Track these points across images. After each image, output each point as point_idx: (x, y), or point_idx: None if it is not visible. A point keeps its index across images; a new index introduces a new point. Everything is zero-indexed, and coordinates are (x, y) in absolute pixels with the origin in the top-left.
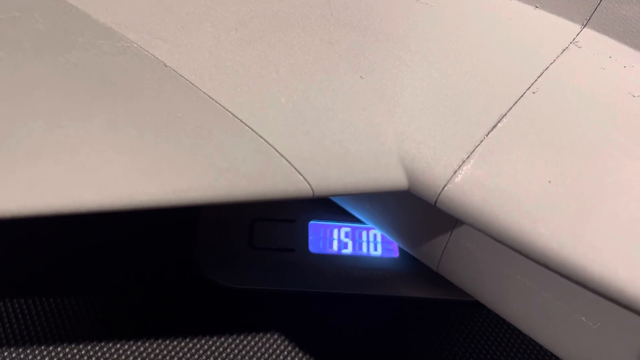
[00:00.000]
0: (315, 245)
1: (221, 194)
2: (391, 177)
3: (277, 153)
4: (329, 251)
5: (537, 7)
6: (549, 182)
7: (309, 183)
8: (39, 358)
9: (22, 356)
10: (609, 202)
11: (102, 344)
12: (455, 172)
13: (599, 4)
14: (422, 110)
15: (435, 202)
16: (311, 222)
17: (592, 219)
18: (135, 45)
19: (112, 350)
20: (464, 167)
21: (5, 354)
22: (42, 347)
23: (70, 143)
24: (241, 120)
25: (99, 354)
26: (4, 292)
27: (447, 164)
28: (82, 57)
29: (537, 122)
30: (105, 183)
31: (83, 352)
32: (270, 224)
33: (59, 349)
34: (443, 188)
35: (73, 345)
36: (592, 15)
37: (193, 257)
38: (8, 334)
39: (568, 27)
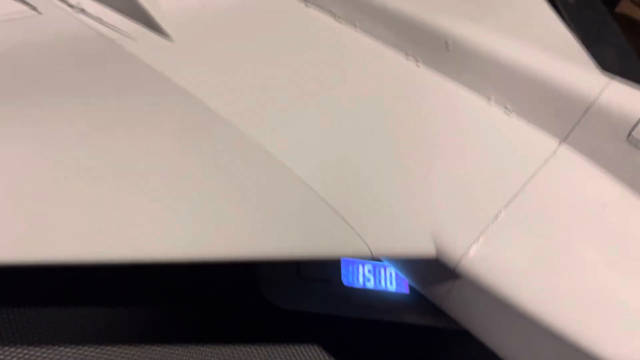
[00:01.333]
0: (346, 279)
1: (296, 254)
2: (425, 249)
3: (347, 224)
4: (356, 284)
5: (529, 123)
6: (535, 261)
7: (369, 248)
8: None
9: None
10: (577, 279)
11: (170, 350)
12: (469, 248)
13: (573, 128)
14: (447, 201)
15: (454, 269)
16: (343, 258)
17: (563, 290)
18: (249, 137)
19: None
20: (475, 246)
21: None
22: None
23: (187, 209)
24: (324, 200)
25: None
26: (72, 302)
27: (464, 243)
28: (206, 143)
29: (527, 217)
30: (216, 241)
31: None
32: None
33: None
34: (461, 259)
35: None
36: (569, 134)
37: (256, 280)
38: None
39: (549, 142)
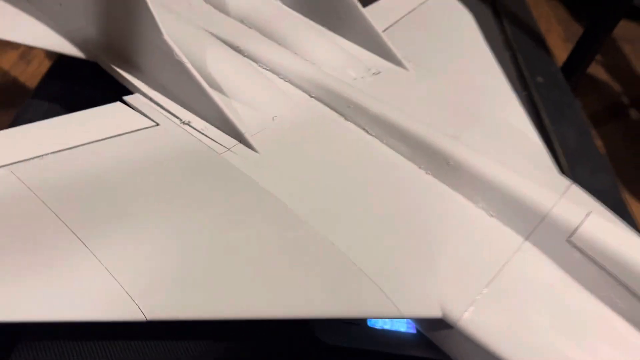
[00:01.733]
0: (370, 322)
1: (350, 315)
2: (436, 312)
3: (383, 292)
4: (377, 325)
5: (504, 224)
6: (513, 327)
7: (401, 312)
8: None
9: None
10: (539, 338)
11: None
12: (463, 313)
13: (534, 229)
14: (447, 279)
15: (454, 326)
16: None
17: (529, 345)
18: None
19: None
20: (467, 311)
21: None
22: None
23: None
24: (363, 271)
25: None
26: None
27: (460, 309)
28: (290, 235)
29: (504, 294)
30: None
31: None
32: None
33: None
34: (458, 320)
35: None
36: (530, 234)
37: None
38: None
39: (517, 238)
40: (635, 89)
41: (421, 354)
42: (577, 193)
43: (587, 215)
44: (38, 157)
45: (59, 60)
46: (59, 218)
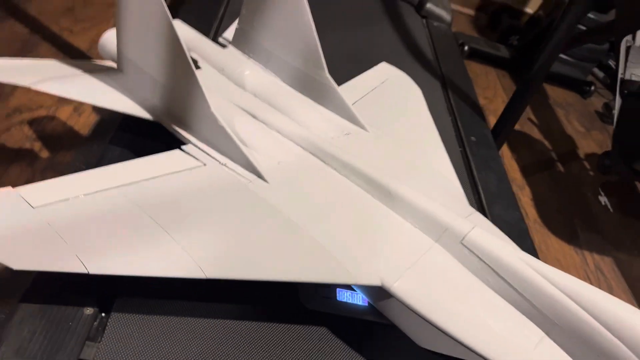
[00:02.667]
0: (339, 297)
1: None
2: (376, 281)
3: (345, 268)
4: (344, 299)
5: (416, 227)
6: (426, 293)
7: (354, 278)
8: None
9: None
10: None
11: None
12: (394, 283)
13: (441, 235)
14: (385, 261)
15: (389, 290)
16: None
17: (449, 306)
18: (307, 232)
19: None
20: (396, 282)
21: None
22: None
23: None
24: (333, 255)
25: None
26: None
27: (392, 280)
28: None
29: (420, 275)
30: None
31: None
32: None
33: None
34: (390, 287)
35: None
36: (439, 238)
37: (295, 290)
38: None
39: (429, 240)
40: (563, 146)
41: (370, 318)
42: (477, 216)
43: (473, 227)
44: (132, 183)
45: (126, 118)
46: (152, 219)
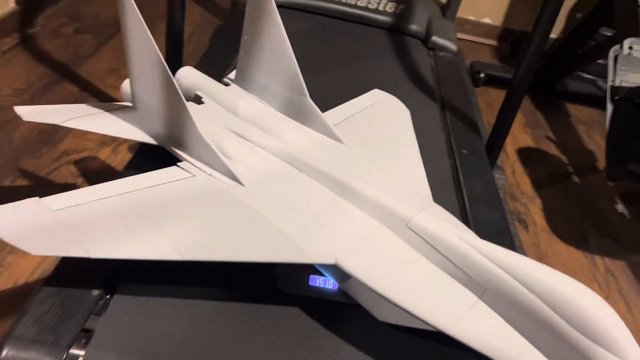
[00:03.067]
0: (311, 282)
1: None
2: (330, 260)
3: (302, 250)
4: (315, 284)
5: (371, 216)
6: (375, 268)
7: (310, 258)
8: None
9: None
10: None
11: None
12: (347, 260)
13: (391, 221)
14: (340, 243)
15: (342, 266)
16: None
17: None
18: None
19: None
20: (349, 259)
21: None
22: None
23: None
24: (293, 240)
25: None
26: None
27: (345, 258)
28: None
29: (370, 254)
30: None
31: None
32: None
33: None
34: (343, 264)
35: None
36: (389, 223)
37: (273, 276)
38: None
39: (380, 226)
40: (581, 160)
41: (339, 299)
42: (435, 208)
43: (418, 212)
44: (132, 192)
45: (142, 146)
46: (144, 217)
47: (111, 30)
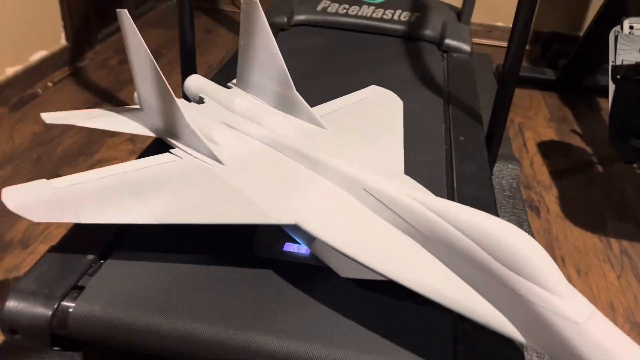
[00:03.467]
0: (285, 247)
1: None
2: (291, 220)
3: (266, 213)
4: (290, 249)
5: (334, 184)
6: (332, 226)
7: (273, 219)
8: None
9: None
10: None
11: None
12: (306, 219)
13: (352, 187)
14: (300, 206)
15: (301, 225)
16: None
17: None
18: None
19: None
20: (307, 219)
21: None
22: None
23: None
24: (259, 206)
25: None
26: None
27: (305, 218)
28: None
29: (328, 213)
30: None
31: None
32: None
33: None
34: (301, 224)
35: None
36: (349, 189)
37: (252, 243)
38: None
39: (342, 191)
40: (607, 150)
41: (310, 262)
42: (403, 177)
43: (373, 177)
44: (125, 172)
45: (155, 141)
46: (131, 190)
47: None
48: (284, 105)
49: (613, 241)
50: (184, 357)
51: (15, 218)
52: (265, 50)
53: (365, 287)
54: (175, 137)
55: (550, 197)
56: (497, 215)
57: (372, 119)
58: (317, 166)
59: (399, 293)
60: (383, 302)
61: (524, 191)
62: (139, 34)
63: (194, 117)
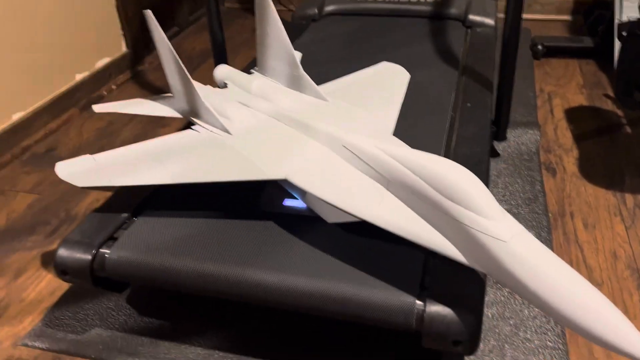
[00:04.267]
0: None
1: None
2: (282, 176)
3: (262, 170)
4: (289, 204)
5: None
6: (315, 177)
7: (266, 174)
8: None
9: None
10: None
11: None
12: (294, 174)
13: (335, 144)
14: (289, 166)
15: (289, 179)
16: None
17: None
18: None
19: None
20: (295, 173)
21: None
22: None
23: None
24: (258, 165)
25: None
26: None
27: (293, 173)
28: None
29: (311, 167)
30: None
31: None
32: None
33: None
34: (291, 178)
35: None
36: (332, 147)
37: (259, 200)
38: None
39: (324, 148)
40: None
41: (306, 214)
42: (388, 137)
43: (352, 134)
44: (157, 144)
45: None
46: (155, 157)
47: (201, 59)
48: (294, 84)
49: (628, 196)
50: (202, 293)
51: (81, 196)
52: (276, 38)
53: (350, 231)
54: (197, 116)
55: (569, 159)
56: (487, 171)
57: (375, 91)
58: (308, 130)
59: (379, 234)
60: (364, 242)
61: (543, 154)
62: (162, 31)
63: (214, 98)
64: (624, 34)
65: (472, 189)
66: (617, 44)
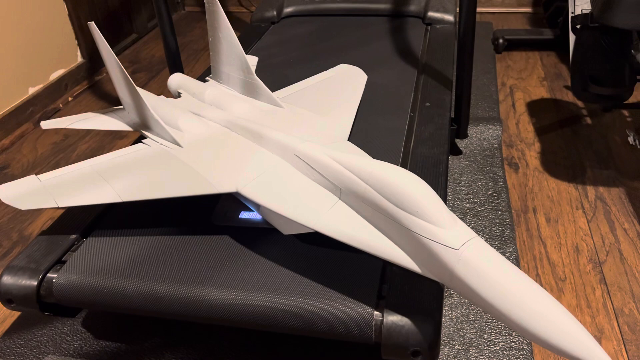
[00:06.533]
0: (241, 215)
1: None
2: (233, 189)
3: (212, 184)
4: (244, 216)
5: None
6: (268, 191)
7: (216, 188)
8: None
9: None
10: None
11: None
12: (244, 187)
13: (286, 154)
14: (239, 177)
15: (241, 192)
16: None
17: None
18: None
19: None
20: (245, 186)
21: None
22: None
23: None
24: (207, 179)
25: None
26: None
27: (243, 185)
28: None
29: (266, 181)
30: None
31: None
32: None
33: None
34: (240, 190)
35: None
36: (284, 156)
37: (212, 215)
38: None
39: (276, 157)
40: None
41: (262, 226)
42: (344, 143)
43: (303, 143)
44: (101, 162)
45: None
46: (101, 176)
47: (160, 67)
48: (248, 90)
49: (590, 188)
50: (156, 315)
51: (35, 215)
52: (227, 43)
53: (307, 242)
54: (147, 128)
55: (531, 153)
56: (446, 171)
57: (331, 94)
58: (261, 139)
59: (337, 244)
60: (321, 253)
61: (505, 150)
62: (107, 43)
63: (165, 109)
64: (578, 26)
65: (421, 196)
66: (572, 37)
